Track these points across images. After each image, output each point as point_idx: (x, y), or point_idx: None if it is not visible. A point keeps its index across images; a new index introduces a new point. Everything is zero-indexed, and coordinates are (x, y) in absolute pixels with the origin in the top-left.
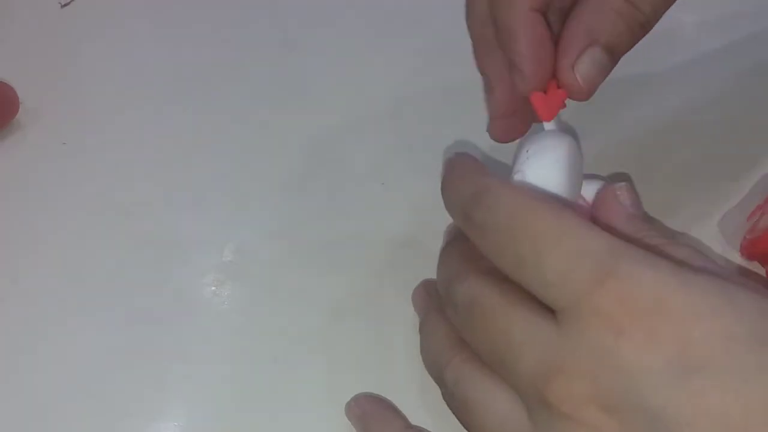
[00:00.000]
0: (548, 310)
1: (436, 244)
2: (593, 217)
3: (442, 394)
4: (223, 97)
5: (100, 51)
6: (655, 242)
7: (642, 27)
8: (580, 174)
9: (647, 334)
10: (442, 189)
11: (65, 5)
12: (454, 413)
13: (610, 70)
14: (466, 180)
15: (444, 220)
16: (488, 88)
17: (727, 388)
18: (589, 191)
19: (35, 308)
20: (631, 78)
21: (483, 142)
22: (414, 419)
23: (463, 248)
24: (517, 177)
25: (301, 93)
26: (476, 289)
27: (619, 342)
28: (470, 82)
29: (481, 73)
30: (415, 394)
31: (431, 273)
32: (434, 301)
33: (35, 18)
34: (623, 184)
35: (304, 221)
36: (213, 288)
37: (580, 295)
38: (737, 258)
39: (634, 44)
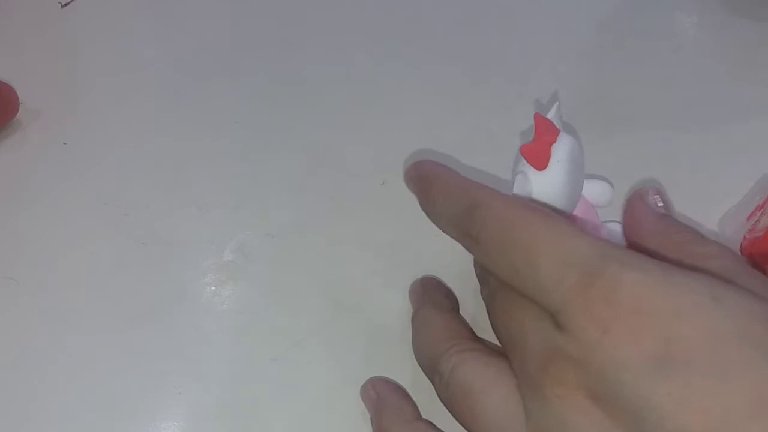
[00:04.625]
0: (548, 312)
1: (437, 243)
2: (625, 222)
3: (435, 387)
4: (223, 97)
5: (100, 51)
6: (682, 239)
7: None
8: (581, 173)
9: (630, 332)
10: (426, 204)
11: (65, 5)
12: (447, 405)
13: None
14: (454, 194)
15: None
16: None
17: (710, 383)
18: (590, 190)
19: (35, 308)
20: (630, 78)
21: (483, 140)
22: None
23: None
24: (519, 177)
25: (301, 93)
26: (497, 284)
27: (604, 339)
28: (470, 81)
29: None
30: (414, 394)
31: (431, 272)
32: (429, 297)
33: (35, 18)
34: (654, 187)
35: (304, 221)
36: (213, 288)
37: (570, 298)
38: None
39: None
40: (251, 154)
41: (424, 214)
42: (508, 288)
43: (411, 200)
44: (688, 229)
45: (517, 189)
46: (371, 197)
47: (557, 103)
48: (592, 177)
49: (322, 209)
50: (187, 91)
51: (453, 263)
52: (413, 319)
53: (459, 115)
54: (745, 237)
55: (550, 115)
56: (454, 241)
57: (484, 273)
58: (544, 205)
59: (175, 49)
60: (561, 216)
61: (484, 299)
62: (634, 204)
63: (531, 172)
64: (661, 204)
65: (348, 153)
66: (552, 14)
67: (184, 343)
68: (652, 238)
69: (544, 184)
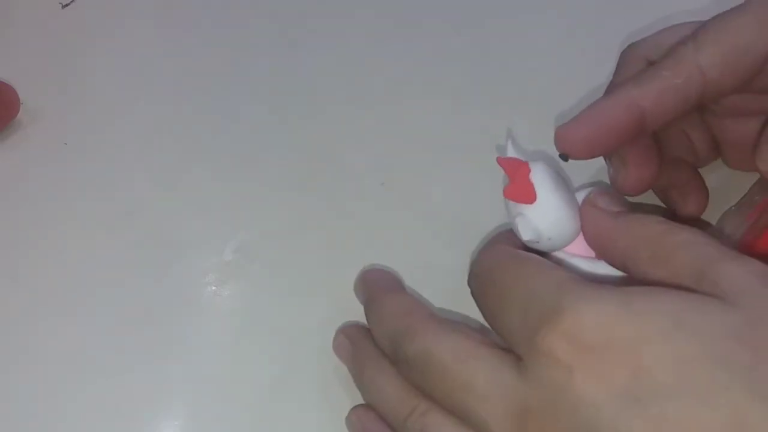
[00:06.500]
0: (515, 356)
1: (436, 244)
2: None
3: None
4: (224, 97)
5: (101, 51)
6: (649, 232)
7: None
8: (569, 187)
9: (596, 369)
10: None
11: (66, 5)
12: None
13: None
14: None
15: (443, 221)
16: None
17: (685, 411)
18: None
19: (35, 308)
20: None
21: (483, 141)
22: None
23: (406, 302)
24: (518, 221)
25: (301, 93)
26: (430, 344)
27: (571, 380)
28: (470, 81)
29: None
30: None
31: (430, 273)
32: (366, 351)
33: (36, 18)
34: (592, 189)
35: (304, 221)
36: (213, 288)
37: (531, 337)
38: None
39: None
40: (251, 154)
41: (423, 214)
42: (444, 350)
43: (411, 200)
44: (652, 219)
45: (524, 233)
46: (371, 197)
47: (509, 140)
48: (585, 188)
49: (322, 209)
50: (188, 91)
51: (452, 263)
52: (360, 381)
53: (459, 115)
54: (745, 237)
55: (510, 153)
56: (453, 241)
57: (397, 347)
58: (558, 234)
59: (176, 50)
60: (532, 258)
61: (403, 373)
62: (587, 214)
63: (525, 210)
64: (613, 202)
65: (348, 153)
66: (552, 14)
67: (184, 343)
68: (618, 243)
69: (543, 215)
